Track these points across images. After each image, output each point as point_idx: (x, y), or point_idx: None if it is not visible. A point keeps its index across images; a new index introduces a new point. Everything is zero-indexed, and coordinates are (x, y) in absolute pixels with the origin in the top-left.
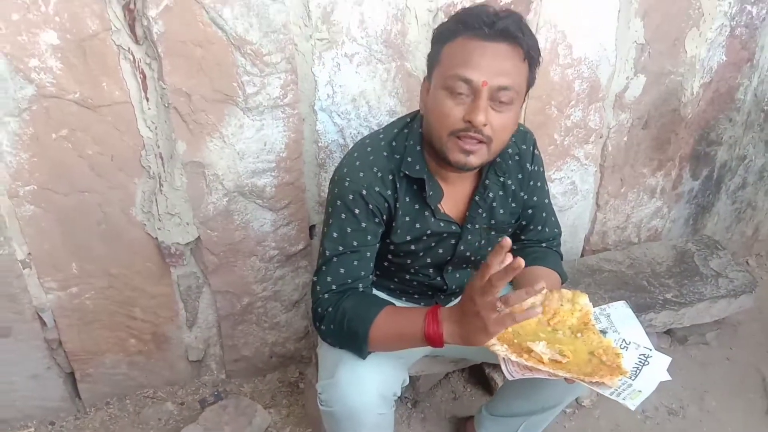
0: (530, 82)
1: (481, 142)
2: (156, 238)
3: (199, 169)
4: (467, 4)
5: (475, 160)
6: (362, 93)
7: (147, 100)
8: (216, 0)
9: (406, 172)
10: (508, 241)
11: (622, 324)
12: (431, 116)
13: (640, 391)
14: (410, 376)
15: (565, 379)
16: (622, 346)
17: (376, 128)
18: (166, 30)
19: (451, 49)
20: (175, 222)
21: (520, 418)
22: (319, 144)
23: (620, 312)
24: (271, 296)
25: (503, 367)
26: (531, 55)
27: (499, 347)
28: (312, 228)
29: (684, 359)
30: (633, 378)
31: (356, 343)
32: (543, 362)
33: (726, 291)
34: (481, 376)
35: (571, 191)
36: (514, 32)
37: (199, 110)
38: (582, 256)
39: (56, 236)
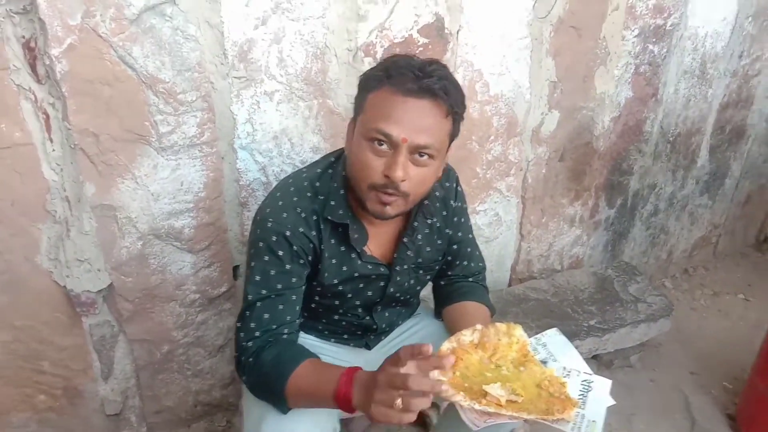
0: (453, 136)
1: (397, 196)
2: (64, 287)
3: (109, 212)
4: (385, 46)
5: (391, 211)
6: (284, 130)
7: (51, 141)
8: (124, 38)
9: (329, 217)
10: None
11: (559, 352)
12: (353, 165)
13: (594, 421)
14: (342, 420)
15: (526, 421)
16: (564, 375)
17: (299, 165)
18: (70, 69)
19: (375, 99)
20: (85, 268)
21: None
22: (241, 182)
23: (555, 340)
24: (193, 342)
25: (464, 418)
26: (455, 111)
27: (458, 397)
28: (236, 268)
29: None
30: (582, 407)
31: (274, 398)
32: (501, 405)
33: (645, 315)
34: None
35: (496, 222)
36: (438, 90)
37: (109, 151)
38: (509, 284)
39: None
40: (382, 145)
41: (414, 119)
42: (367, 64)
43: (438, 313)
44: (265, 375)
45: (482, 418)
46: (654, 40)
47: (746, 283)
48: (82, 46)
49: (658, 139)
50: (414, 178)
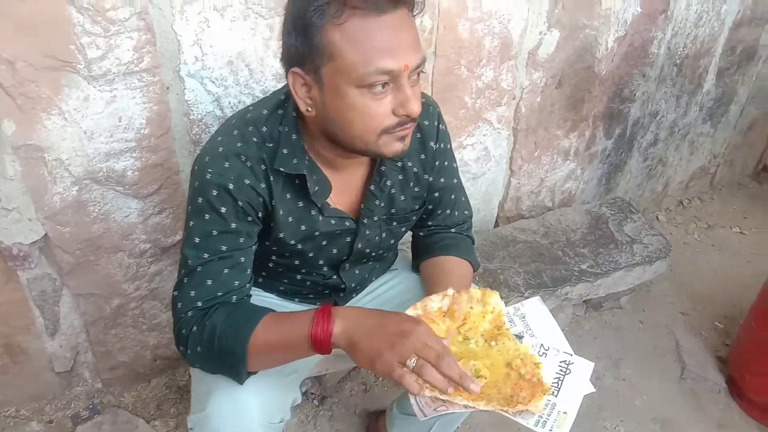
0: None
1: (411, 125)
2: None
3: (36, 154)
4: None
5: (409, 143)
6: (240, 54)
7: None
8: None
9: (281, 169)
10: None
11: (538, 326)
12: (345, 118)
13: (565, 412)
14: (315, 376)
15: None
16: (541, 353)
17: (260, 96)
18: None
19: (343, 36)
20: (14, 218)
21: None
22: (191, 117)
23: (536, 310)
24: (147, 295)
25: (414, 406)
26: (414, 6)
27: (408, 378)
28: None
29: (599, 326)
30: (555, 393)
31: (232, 363)
32: (458, 391)
33: (641, 258)
34: None
35: (484, 157)
36: None
37: (28, 81)
38: (496, 224)
39: None
40: (382, 86)
41: (402, 38)
42: None
43: (416, 267)
44: (220, 338)
45: (432, 406)
46: None
47: (742, 215)
48: None
49: (665, 61)
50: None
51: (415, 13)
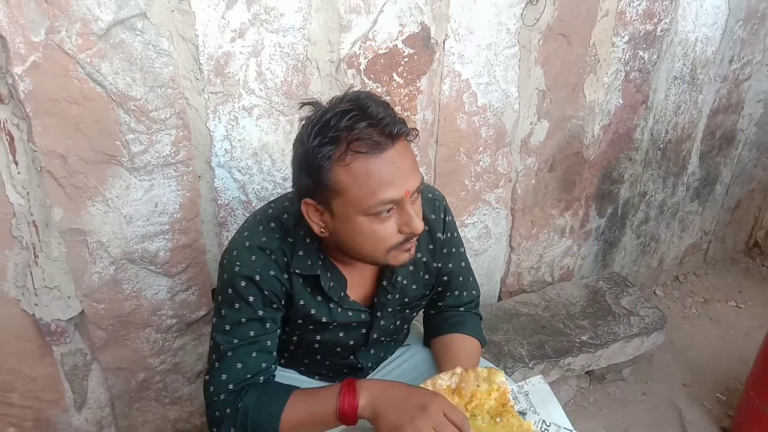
0: None
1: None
2: (33, 315)
3: (79, 237)
4: (369, 57)
5: (414, 252)
6: (264, 146)
7: (16, 163)
8: (92, 55)
9: (297, 270)
10: None
11: (541, 403)
12: (355, 241)
13: None
14: None
15: None
16: (543, 429)
17: (281, 182)
18: (34, 88)
19: (349, 175)
20: (55, 296)
21: None
22: (219, 202)
23: (538, 389)
24: (170, 369)
25: None
26: (409, 134)
27: None
28: (215, 291)
29: (603, 398)
30: None
31: None
32: None
33: (638, 329)
34: None
35: (485, 235)
36: (402, 128)
37: (77, 173)
38: (499, 298)
39: None
40: (387, 212)
41: (401, 169)
42: (351, 76)
43: (427, 343)
44: (252, 419)
45: None
46: (644, 46)
47: (737, 289)
48: (47, 64)
49: (649, 146)
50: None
51: (409, 140)
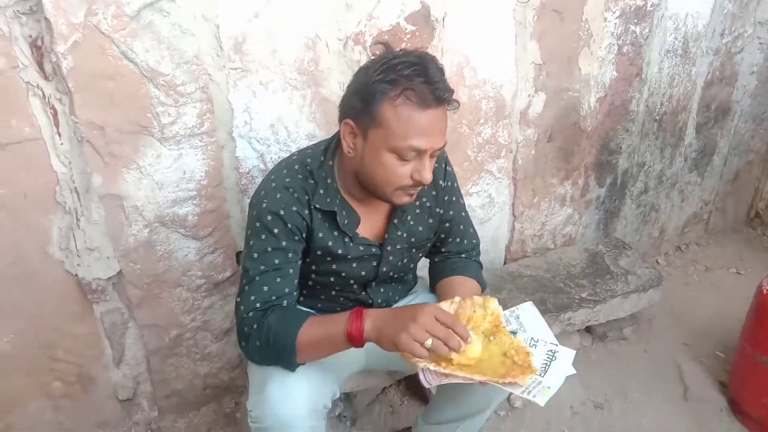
0: None
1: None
2: (76, 275)
3: (116, 202)
4: (374, 34)
5: (414, 198)
6: (279, 119)
7: (59, 135)
8: (126, 34)
9: (317, 205)
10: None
11: (530, 324)
12: (373, 170)
13: (548, 387)
14: (346, 393)
15: (480, 383)
16: (531, 344)
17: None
18: (75, 65)
19: (394, 114)
20: (95, 257)
21: (453, 424)
22: (240, 170)
23: (528, 312)
24: (200, 326)
25: (421, 377)
26: (451, 103)
27: (417, 358)
28: (238, 254)
29: (605, 355)
30: (542, 374)
31: (284, 354)
32: (457, 366)
33: (635, 286)
34: (416, 387)
35: (489, 204)
36: (448, 96)
37: (114, 142)
38: (504, 264)
39: None
40: (408, 157)
41: (435, 128)
42: (357, 52)
43: (432, 288)
44: (274, 334)
45: (438, 378)
46: (636, 20)
47: (738, 258)
48: (86, 43)
49: (645, 117)
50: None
51: (450, 109)
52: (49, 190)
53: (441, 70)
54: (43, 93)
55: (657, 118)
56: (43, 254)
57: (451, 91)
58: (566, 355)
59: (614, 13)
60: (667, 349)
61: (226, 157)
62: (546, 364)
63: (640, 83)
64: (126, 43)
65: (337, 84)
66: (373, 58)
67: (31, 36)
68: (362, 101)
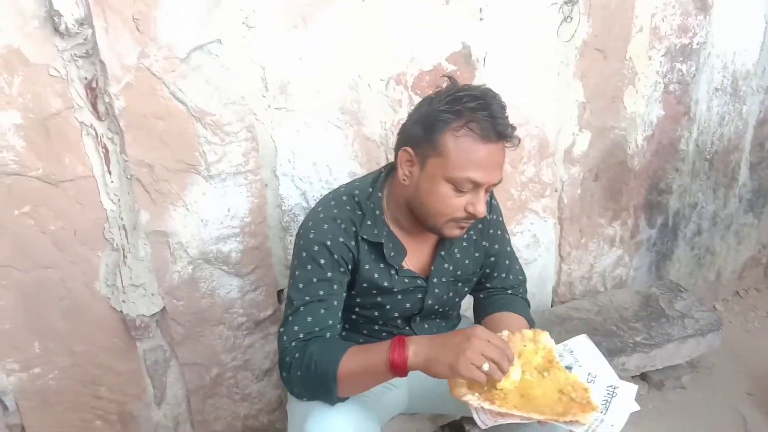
0: None
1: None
2: (121, 312)
3: (162, 238)
4: (415, 74)
5: (464, 232)
6: (322, 157)
7: (110, 173)
8: (176, 75)
9: (364, 236)
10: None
11: (585, 357)
12: (427, 199)
13: (612, 425)
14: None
15: (539, 422)
16: (589, 380)
17: None
18: (127, 105)
19: (456, 144)
20: (140, 293)
21: None
22: (283, 208)
23: (582, 345)
24: (241, 366)
25: (475, 417)
26: (512, 139)
27: (470, 396)
28: (280, 292)
29: (663, 404)
30: (604, 412)
31: (325, 384)
32: (515, 406)
33: (693, 330)
34: None
35: (534, 244)
36: (510, 132)
37: (162, 180)
38: (551, 306)
39: (18, 315)
40: (465, 189)
41: (493, 162)
42: (399, 92)
43: None
44: (316, 363)
45: (494, 418)
46: (681, 59)
47: None
48: (138, 84)
49: (695, 157)
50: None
51: (508, 147)
52: (98, 226)
53: (503, 107)
54: (96, 132)
55: (708, 157)
56: (90, 290)
57: (513, 128)
58: (628, 391)
59: (659, 51)
60: (729, 399)
61: (269, 195)
62: (607, 400)
63: (688, 122)
64: (176, 84)
65: (378, 123)
66: (438, 90)
67: (86, 78)
68: (424, 129)
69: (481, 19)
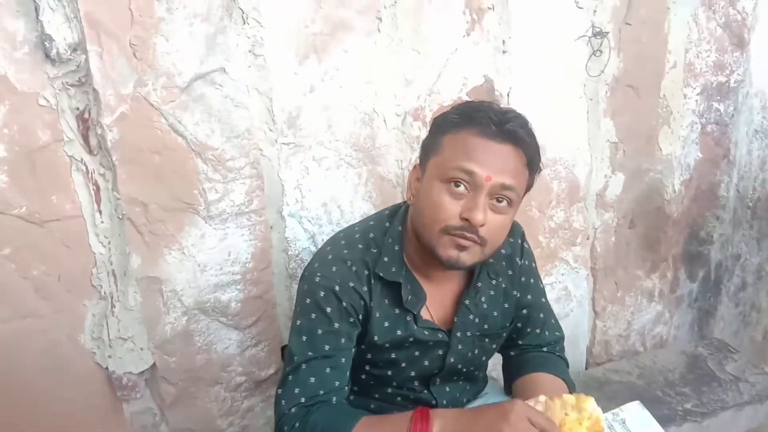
0: (528, 188)
1: (475, 242)
2: (106, 368)
3: (155, 286)
4: (434, 109)
5: (467, 259)
6: (333, 197)
7: (100, 212)
8: (175, 105)
9: (380, 274)
10: None
11: (639, 429)
12: (423, 206)
13: None
14: None
15: None
16: None
17: None
18: (121, 137)
19: (453, 140)
20: (128, 348)
21: None
22: (289, 252)
23: (636, 414)
24: None
25: None
26: (533, 161)
27: None
28: (284, 348)
29: None
30: None
31: None
32: None
33: (750, 397)
34: None
35: (565, 297)
36: (521, 136)
37: (157, 220)
38: (586, 368)
39: None
40: (459, 186)
41: (497, 161)
42: (417, 128)
43: (508, 388)
44: None
45: None
46: (718, 97)
47: None
48: (133, 115)
49: (736, 204)
50: (492, 225)
51: (525, 165)
52: (85, 272)
53: (524, 124)
54: (87, 168)
55: (750, 204)
56: (74, 343)
57: (519, 131)
58: None
59: (695, 89)
60: None
61: (274, 238)
62: None
63: (728, 165)
64: (175, 116)
65: (394, 162)
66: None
67: (78, 108)
68: (432, 135)
69: (504, 52)
